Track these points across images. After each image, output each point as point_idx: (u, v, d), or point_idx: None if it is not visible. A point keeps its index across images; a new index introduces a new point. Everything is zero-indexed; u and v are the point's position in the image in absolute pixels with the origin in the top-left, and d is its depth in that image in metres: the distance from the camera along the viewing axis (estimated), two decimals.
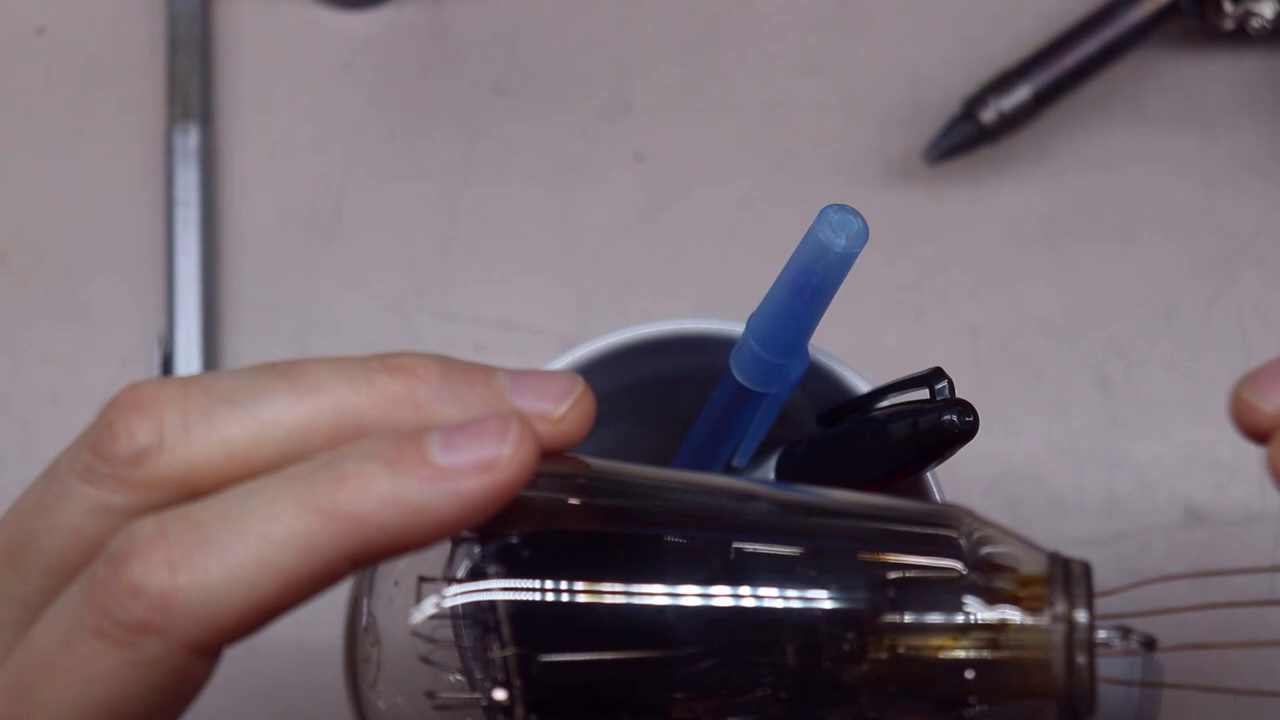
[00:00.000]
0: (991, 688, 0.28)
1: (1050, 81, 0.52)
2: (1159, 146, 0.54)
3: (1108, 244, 0.53)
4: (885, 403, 0.37)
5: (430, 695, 0.28)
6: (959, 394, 0.39)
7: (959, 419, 0.35)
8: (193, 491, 0.27)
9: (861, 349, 0.52)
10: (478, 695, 0.27)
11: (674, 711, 0.28)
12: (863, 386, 0.39)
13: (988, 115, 0.52)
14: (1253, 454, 0.51)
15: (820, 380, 0.39)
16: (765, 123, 0.55)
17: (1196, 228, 0.53)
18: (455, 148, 0.54)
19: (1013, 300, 0.53)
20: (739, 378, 0.37)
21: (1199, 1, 0.53)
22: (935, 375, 0.36)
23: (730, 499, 0.30)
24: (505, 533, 0.28)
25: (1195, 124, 0.54)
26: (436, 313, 0.52)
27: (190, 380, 0.28)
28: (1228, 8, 0.52)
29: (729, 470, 0.40)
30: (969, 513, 0.30)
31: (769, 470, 0.39)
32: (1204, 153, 0.54)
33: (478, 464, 0.26)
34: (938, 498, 0.38)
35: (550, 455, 0.28)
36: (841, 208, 0.34)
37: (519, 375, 0.28)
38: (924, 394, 0.36)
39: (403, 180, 0.54)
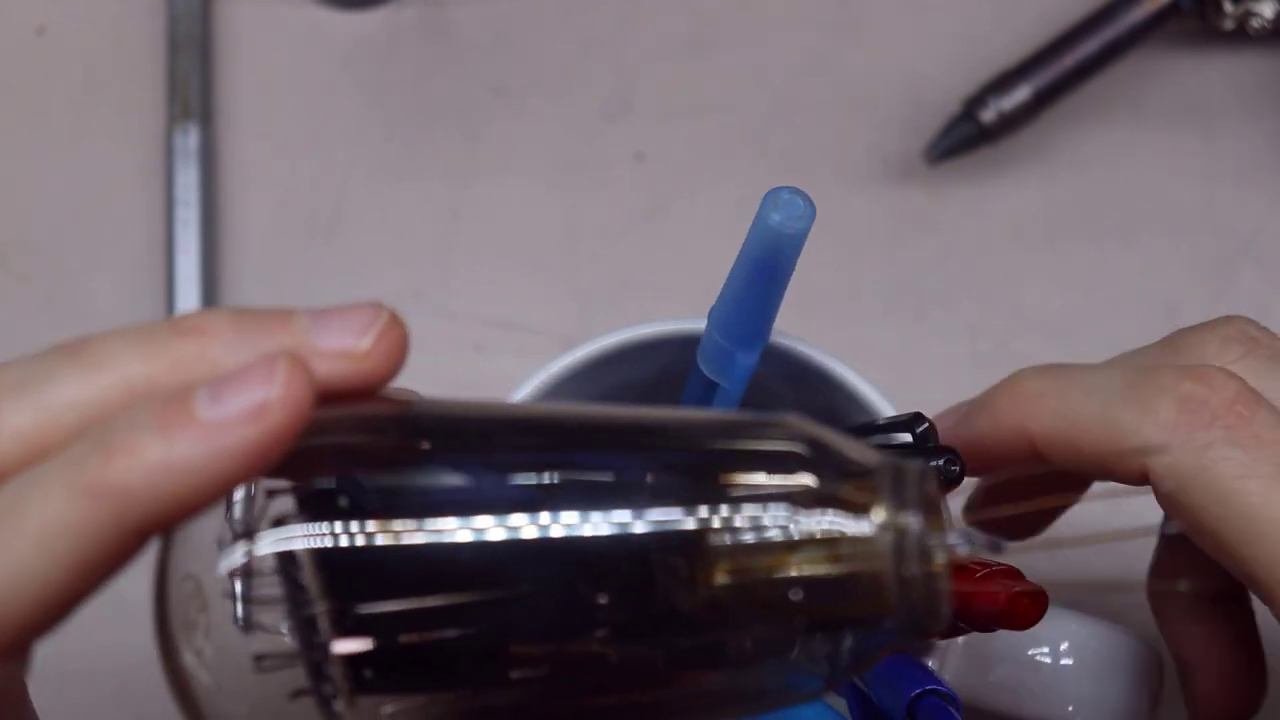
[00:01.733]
0: (832, 604, 0.26)
1: (1050, 81, 0.52)
2: (1159, 146, 0.54)
3: (1108, 244, 0.53)
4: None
5: (259, 659, 0.26)
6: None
7: (945, 466, 0.34)
8: None
9: (861, 349, 0.52)
10: (296, 651, 0.26)
11: (509, 656, 0.27)
12: (855, 380, 0.38)
13: (988, 115, 0.52)
14: None
15: (814, 381, 0.39)
16: (765, 123, 0.55)
17: (1196, 227, 0.53)
18: (455, 148, 0.54)
19: (1013, 300, 0.53)
20: (704, 369, 0.36)
21: (1199, 1, 0.53)
22: (916, 420, 0.36)
23: (557, 426, 0.28)
24: (320, 480, 0.26)
25: (1195, 123, 0.54)
26: (436, 313, 0.52)
27: None
28: (1228, 8, 0.52)
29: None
30: (802, 421, 0.28)
31: None
32: (1204, 152, 0.54)
33: (245, 412, 0.25)
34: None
35: (362, 395, 0.27)
36: (787, 190, 0.34)
37: (318, 314, 0.27)
38: (907, 438, 0.35)
39: (403, 180, 0.54)
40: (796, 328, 0.53)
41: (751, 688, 0.28)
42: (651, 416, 0.29)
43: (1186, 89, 0.55)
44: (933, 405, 0.51)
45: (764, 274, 0.35)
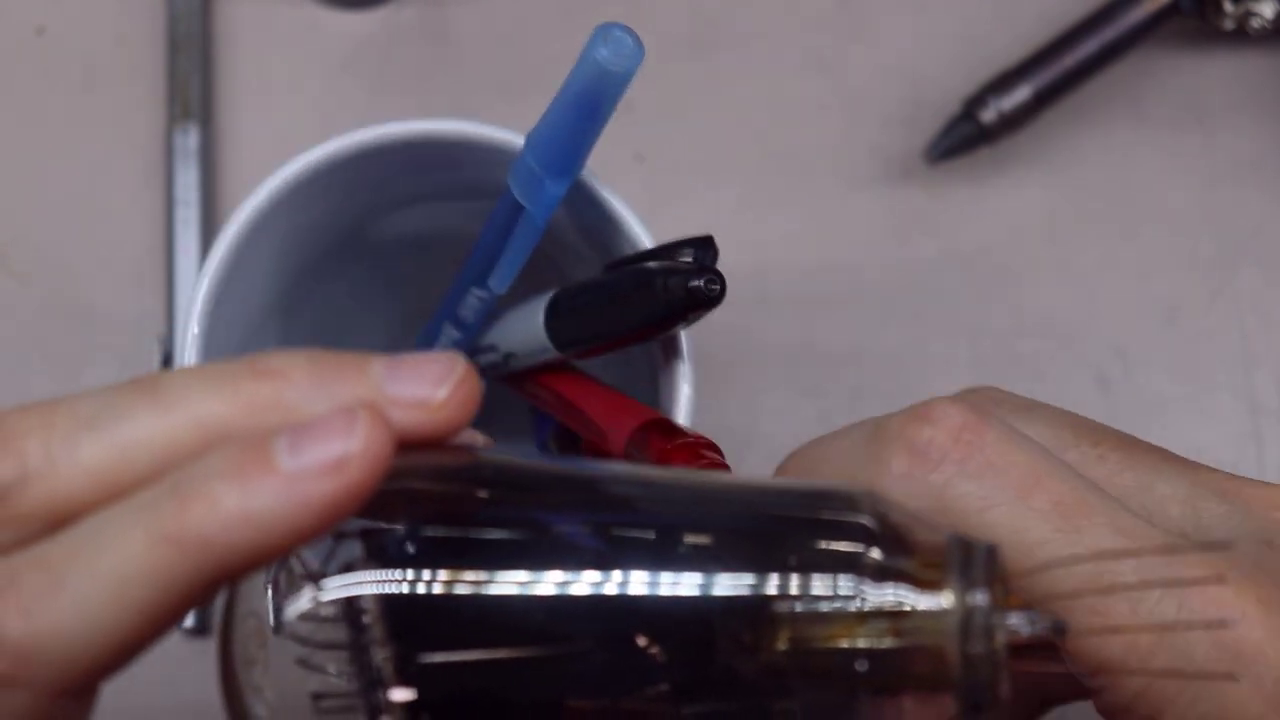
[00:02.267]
0: (892, 679, 0.26)
1: (1050, 81, 0.52)
2: (1159, 146, 0.54)
3: (1108, 244, 0.53)
4: (657, 262, 0.37)
5: (317, 698, 0.26)
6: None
7: (705, 286, 0.35)
8: (62, 522, 0.26)
9: (861, 349, 0.52)
10: (360, 698, 0.26)
11: (566, 710, 0.27)
12: (637, 228, 0.40)
13: (988, 115, 0.52)
14: (1252, 454, 0.51)
15: (603, 224, 0.40)
16: (765, 123, 0.55)
17: (1196, 227, 0.53)
18: None
19: (1013, 300, 0.53)
20: (514, 190, 0.37)
21: (1199, 1, 0.53)
22: (705, 241, 0.37)
23: (629, 488, 0.29)
24: (388, 526, 0.27)
25: (1195, 124, 0.54)
26: None
27: (53, 406, 0.27)
28: (1228, 8, 0.52)
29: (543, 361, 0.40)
30: (872, 495, 0.28)
31: (538, 311, 0.40)
32: (1204, 152, 0.54)
33: (325, 464, 0.25)
34: (685, 353, 0.39)
35: (432, 443, 0.27)
36: (619, 27, 0.35)
37: (394, 362, 0.27)
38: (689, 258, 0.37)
39: None
40: (797, 327, 0.53)
41: None
42: (724, 482, 0.29)
43: (1186, 89, 0.55)
44: None
45: (584, 107, 0.36)
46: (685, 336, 0.39)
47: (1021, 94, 0.52)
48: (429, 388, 0.27)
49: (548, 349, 0.40)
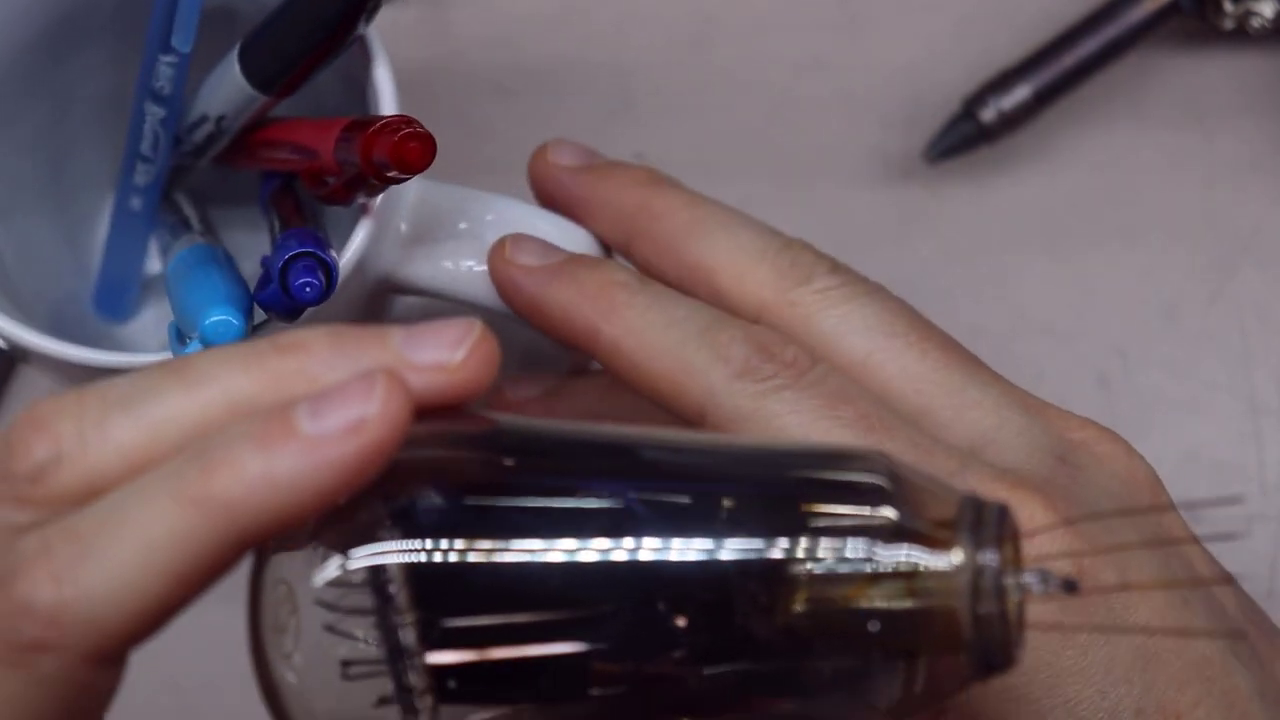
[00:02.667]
0: (905, 638, 0.27)
1: (1050, 81, 0.52)
2: (1159, 146, 0.54)
3: (1108, 244, 0.53)
4: None
5: (346, 664, 0.27)
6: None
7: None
8: (95, 500, 0.27)
9: None
10: (384, 659, 0.27)
11: (588, 673, 0.27)
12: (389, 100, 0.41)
13: (988, 115, 0.52)
14: (1252, 454, 0.51)
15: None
16: (765, 123, 0.55)
17: (1196, 228, 0.53)
18: (455, 148, 0.54)
19: (1013, 300, 0.53)
20: None
21: (1199, 1, 0.53)
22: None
23: (642, 451, 0.29)
24: (413, 493, 0.27)
25: (1195, 123, 0.54)
26: None
27: (89, 391, 0.27)
28: (1228, 8, 0.52)
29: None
30: (885, 456, 0.29)
31: (233, 62, 0.41)
32: (1204, 152, 0.54)
33: (345, 427, 0.26)
34: (377, 53, 0.40)
35: (453, 409, 0.28)
36: None
37: (412, 330, 0.28)
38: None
39: None
40: None
41: (816, 715, 0.28)
42: (738, 443, 0.30)
43: (1186, 89, 0.55)
44: None
45: None
46: (377, 40, 0.41)
47: (1021, 93, 0.52)
48: (446, 351, 0.28)
49: (251, 95, 0.40)
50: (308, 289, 0.37)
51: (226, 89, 0.41)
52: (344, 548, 0.27)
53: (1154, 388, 0.52)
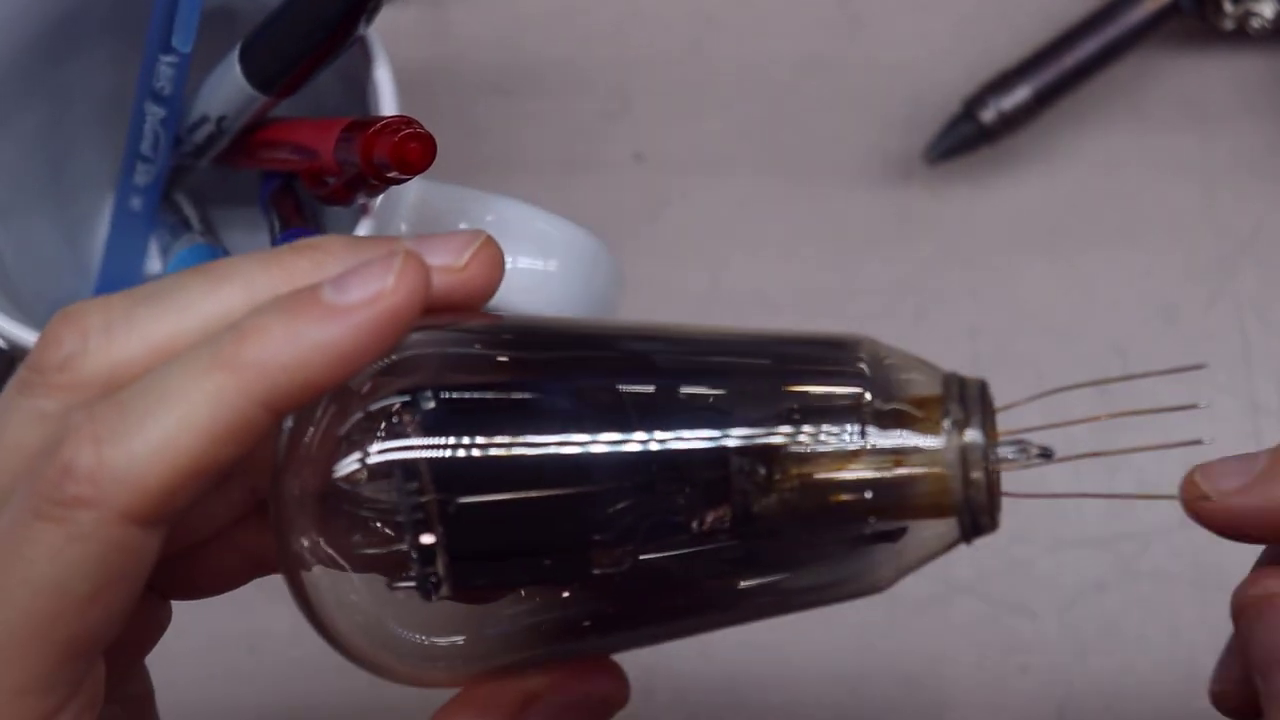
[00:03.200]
0: (897, 507, 0.29)
1: (1050, 81, 0.52)
2: (1159, 146, 0.54)
3: (1108, 244, 0.53)
4: None
5: (354, 544, 0.29)
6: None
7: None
8: (122, 387, 0.28)
9: None
10: (402, 543, 0.28)
11: (593, 551, 0.29)
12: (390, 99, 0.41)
13: (988, 115, 0.52)
14: (1252, 448, 0.51)
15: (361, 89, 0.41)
16: (765, 123, 0.55)
17: (1196, 228, 0.53)
18: (455, 147, 0.54)
19: (1013, 300, 0.53)
20: None
21: (1199, 1, 0.53)
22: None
23: (640, 342, 0.31)
24: (420, 387, 0.29)
25: (1195, 124, 0.54)
26: None
27: (117, 293, 0.29)
28: (1228, 8, 0.52)
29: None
30: (870, 340, 0.31)
31: (233, 63, 0.41)
32: (1204, 153, 0.54)
33: (367, 296, 0.27)
34: (377, 55, 0.41)
35: (462, 310, 0.30)
36: None
37: (422, 236, 0.30)
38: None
39: None
40: (795, 327, 0.53)
41: (819, 582, 0.30)
42: (736, 333, 0.31)
43: (1186, 89, 0.55)
44: None
45: None
46: (377, 40, 0.41)
47: (1021, 94, 0.52)
48: (453, 255, 0.30)
49: (252, 96, 0.41)
50: None
51: (227, 89, 0.41)
52: (360, 440, 0.28)
53: (1154, 388, 0.52)
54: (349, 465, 0.28)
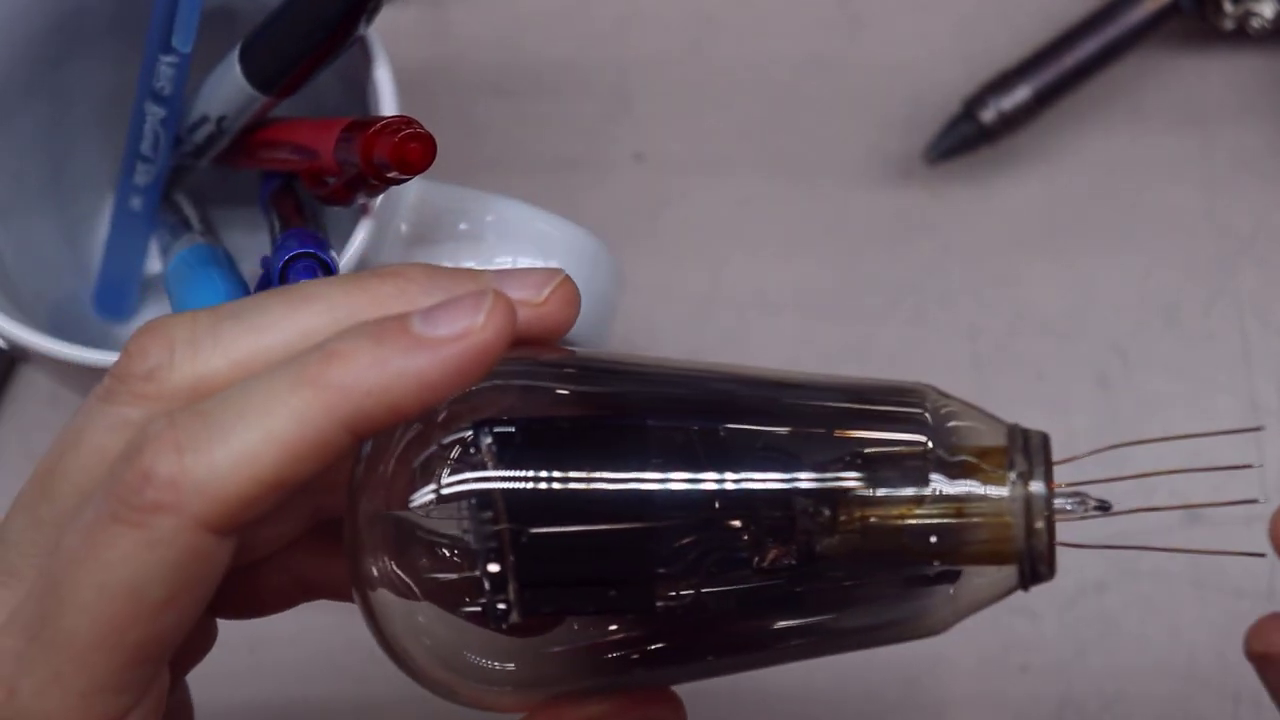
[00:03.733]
0: (957, 554, 0.30)
1: (1050, 81, 0.52)
2: (1159, 146, 0.54)
3: (1108, 244, 0.53)
4: None
5: (426, 568, 0.29)
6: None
7: None
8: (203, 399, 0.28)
9: (861, 349, 0.52)
10: (472, 570, 0.29)
11: (658, 584, 0.30)
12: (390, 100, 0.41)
13: (988, 115, 0.52)
14: (1253, 454, 0.51)
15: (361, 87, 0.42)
16: (765, 123, 0.55)
17: (1196, 228, 0.53)
18: (455, 148, 0.54)
19: (1013, 300, 0.53)
20: None
21: (1199, 1, 0.53)
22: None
23: (710, 383, 0.32)
24: (496, 419, 0.29)
25: (1195, 124, 0.54)
26: None
27: (202, 309, 0.30)
28: (1228, 8, 0.52)
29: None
30: (934, 388, 0.31)
31: (233, 63, 0.41)
32: (1204, 153, 0.54)
33: (455, 331, 0.28)
34: (378, 55, 0.41)
35: (537, 344, 0.31)
36: None
37: (503, 270, 0.31)
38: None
39: None
40: (796, 327, 0.53)
41: (876, 623, 0.31)
42: (801, 379, 0.32)
43: (1186, 89, 0.55)
44: None
45: None
46: (377, 40, 0.41)
47: (1021, 94, 0.52)
48: (533, 291, 0.30)
49: (252, 96, 0.41)
50: None
51: (227, 89, 0.41)
52: (436, 468, 0.29)
53: (1154, 388, 0.52)
54: (424, 493, 0.29)
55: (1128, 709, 0.49)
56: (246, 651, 0.49)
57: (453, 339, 0.28)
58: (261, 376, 0.28)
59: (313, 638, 0.49)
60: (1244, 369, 0.52)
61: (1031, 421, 0.31)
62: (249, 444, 0.27)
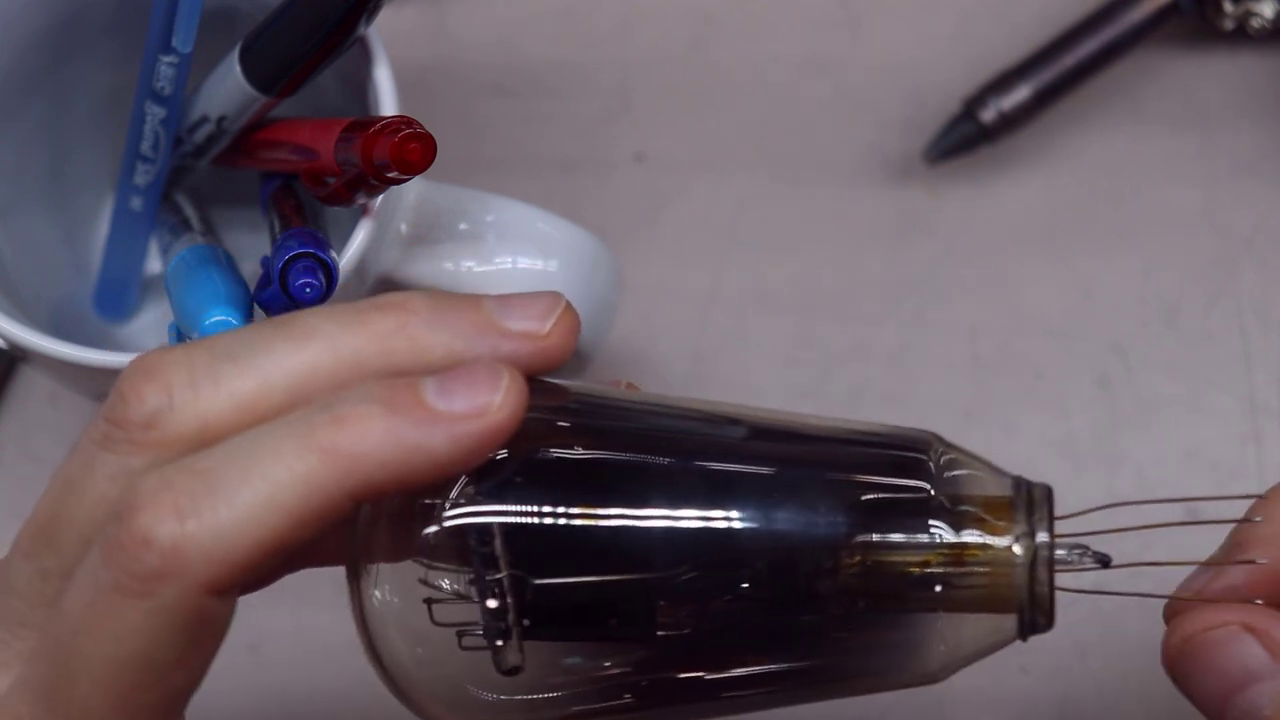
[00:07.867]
0: (957, 602, 0.30)
1: (1050, 81, 0.52)
2: (1159, 146, 0.54)
3: (1108, 244, 0.53)
4: None
5: (429, 603, 0.29)
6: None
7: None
8: (205, 446, 0.28)
9: (861, 349, 0.52)
10: (474, 603, 0.29)
11: (659, 621, 0.30)
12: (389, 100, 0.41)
13: (988, 115, 0.52)
14: (1252, 454, 0.51)
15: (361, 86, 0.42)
16: (765, 123, 0.55)
17: (1196, 228, 0.53)
18: (455, 148, 0.54)
19: (1013, 300, 0.53)
20: None
21: (1199, 1, 0.53)
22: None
23: (712, 424, 0.32)
24: (499, 458, 0.29)
25: (1195, 124, 0.54)
26: None
27: (194, 344, 0.29)
28: (1228, 8, 0.52)
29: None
30: (938, 437, 0.32)
31: (234, 62, 0.41)
32: (1204, 153, 0.54)
33: (472, 409, 0.27)
34: (378, 55, 0.41)
35: (537, 380, 0.30)
36: None
37: (504, 299, 0.30)
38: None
39: None
40: (795, 327, 0.53)
41: (874, 668, 0.32)
42: (806, 424, 0.32)
43: (1186, 89, 0.55)
44: (933, 405, 0.51)
45: None
46: (377, 40, 0.41)
47: (1021, 94, 0.52)
48: (536, 321, 0.30)
49: (252, 96, 0.41)
50: (308, 290, 0.37)
51: (227, 89, 0.41)
52: (438, 509, 0.29)
53: (1154, 388, 0.52)
54: (428, 531, 0.29)
55: (1128, 709, 0.49)
56: (246, 651, 0.49)
57: (468, 417, 0.27)
58: (264, 432, 0.27)
59: (313, 637, 0.49)
60: (1244, 369, 0.52)
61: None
62: (253, 509, 0.27)
